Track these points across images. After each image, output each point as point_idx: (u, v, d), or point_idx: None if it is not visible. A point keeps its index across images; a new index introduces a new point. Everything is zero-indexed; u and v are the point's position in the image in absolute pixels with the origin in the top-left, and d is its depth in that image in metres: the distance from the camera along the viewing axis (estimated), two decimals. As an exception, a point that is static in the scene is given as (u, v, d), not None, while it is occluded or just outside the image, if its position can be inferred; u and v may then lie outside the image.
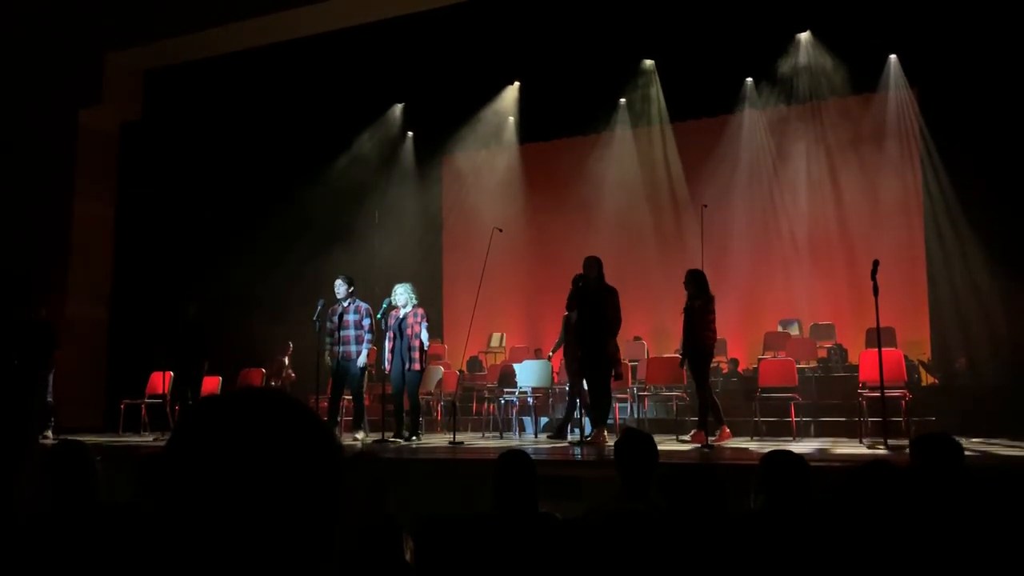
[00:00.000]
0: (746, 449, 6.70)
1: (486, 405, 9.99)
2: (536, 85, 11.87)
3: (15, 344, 9.23)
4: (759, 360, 9.61)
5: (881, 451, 6.33)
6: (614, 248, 11.48)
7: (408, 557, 2.69)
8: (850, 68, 10.57)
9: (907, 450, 3.26)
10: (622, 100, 12.33)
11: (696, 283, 7.51)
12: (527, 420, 9.60)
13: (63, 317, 10.26)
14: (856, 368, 8.82)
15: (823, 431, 8.56)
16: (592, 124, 12.42)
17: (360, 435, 7.93)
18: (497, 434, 8.94)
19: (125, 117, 12.08)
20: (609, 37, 10.52)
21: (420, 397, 8.39)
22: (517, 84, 12.46)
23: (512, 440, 8.42)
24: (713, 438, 7.23)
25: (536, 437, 8.97)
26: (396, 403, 7.97)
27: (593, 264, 7.54)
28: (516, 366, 9.35)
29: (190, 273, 11.13)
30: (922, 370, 10.00)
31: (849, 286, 10.44)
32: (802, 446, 7.01)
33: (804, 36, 10.98)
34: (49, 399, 9.24)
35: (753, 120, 11.91)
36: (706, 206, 8.54)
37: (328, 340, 8.13)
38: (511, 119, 12.97)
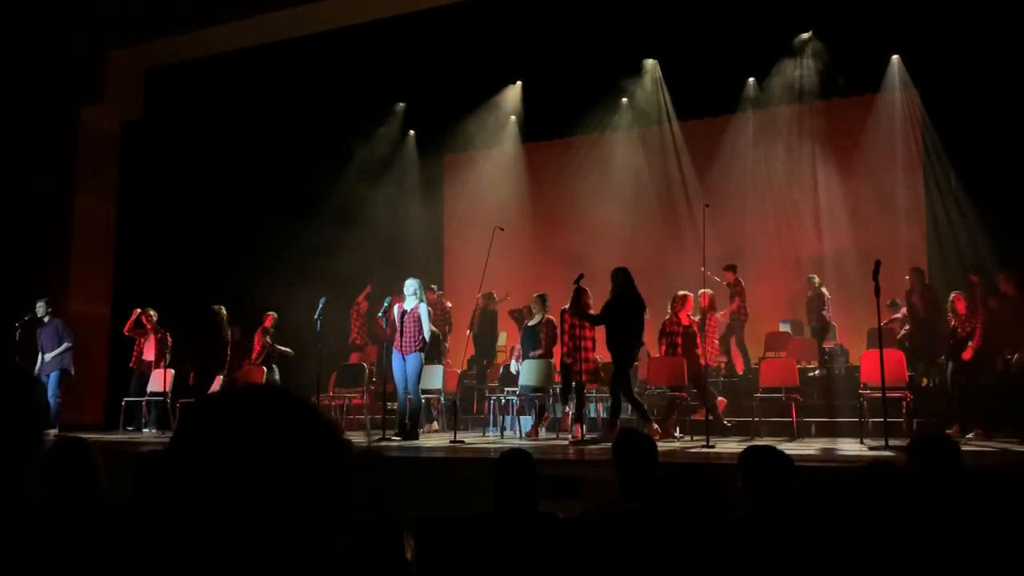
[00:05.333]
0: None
1: (487, 404, 9.99)
2: (538, 84, 11.85)
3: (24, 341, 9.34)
4: (760, 360, 9.61)
5: (883, 452, 6.34)
6: (615, 248, 11.47)
7: (409, 556, 2.69)
8: (852, 68, 10.56)
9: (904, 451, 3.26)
10: (624, 99, 12.32)
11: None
12: (527, 420, 9.58)
13: (65, 314, 10.27)
14: (857, 369, 8.82)
15: (824, 432, 8.56)
16: (594, 123, 12.41)
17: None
18: (497, 433, 8.94)
19: (127, 115, 12.09)
20: (611, 36, 10.51)
21: (421, 395, 8.45)
22: (519, 83, 12.45)
23: (513, 440, 8.42)
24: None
25: (537, 436, 8.97)
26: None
27: (618, 274, 7.88)
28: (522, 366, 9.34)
29: (191, 271, 11.13)
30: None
31: (851, 286, 10.43)
32: (803, 447, 7.02)
33: (806, 36, 10.97)
34: (58, 397, 9.30)
35: (755, 120, 11.89)
36: (708, 206, 8.54)
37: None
38: (513, 118, 12.97)
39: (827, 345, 10.57)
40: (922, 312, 9.16)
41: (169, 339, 10.36)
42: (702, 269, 10.16)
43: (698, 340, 8.26)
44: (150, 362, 10.22)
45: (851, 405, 8.42)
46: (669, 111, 12.18)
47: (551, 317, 9.01)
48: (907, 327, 9.53)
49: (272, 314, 10.71)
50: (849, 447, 6.99)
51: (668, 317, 8.47)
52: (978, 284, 8.48)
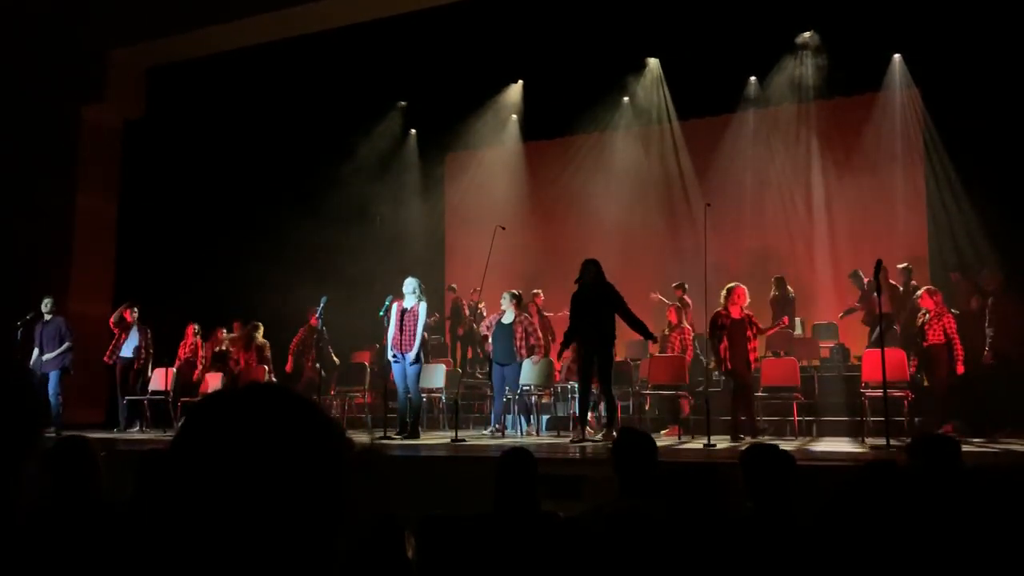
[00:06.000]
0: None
1: (488, 403, 10.00)
2: (539, 83, 11.86)
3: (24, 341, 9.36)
4: (761, 359, 9.60)
5: (880, 451, 6.35)
6: (617, 247, 11.47)
7: (410, 555, 2.70)
8: (853, 67, 10.55)
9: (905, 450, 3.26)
10: (625, 99, 12.32)
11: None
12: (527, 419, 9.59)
13: (65, 313, 10.28)
14: (858, 368, 8.82)
15: (825, 431, 8.56)
16: (595, 122, 12.41)
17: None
18: (498, 432, 8.93)
19: (128, 114, 12.10)
20: (613, 35, 10.51)
21: (421, 394, 8.47)
22: (521, 82, 12.46)
23: (514, 438, 8.42)
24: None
25: (537, 435, 8.99)
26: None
27: (591, 265, 7.63)
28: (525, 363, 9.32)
29: (193, 271, 11.14)
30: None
31: (852, 285, 10.43)
32: (804, 446, 7.02)
33: (807, 35, 10.97)
34: (59, 396, 9.29)
35: (756, 119, 11.89)
36: (709, 205, 8.52)
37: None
38: (514, 117, 12.97)
39: (828, 344, 10.59)
40: (888, 308, 9.22)
41: (150, 336, 10.28)
42: (653, 295, 10.27)
43: (750, 333, 7.89)
44: (127, 359, 10.13)
45: (852, 404, 8.42)
46: (670, 110, 12.18)
47: (527, 315, 8.93)
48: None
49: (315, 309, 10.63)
50: (850, 446, 6.99)
51: (718, 309, 8.07)
52: (959, 283, 8.48)
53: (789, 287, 10.65)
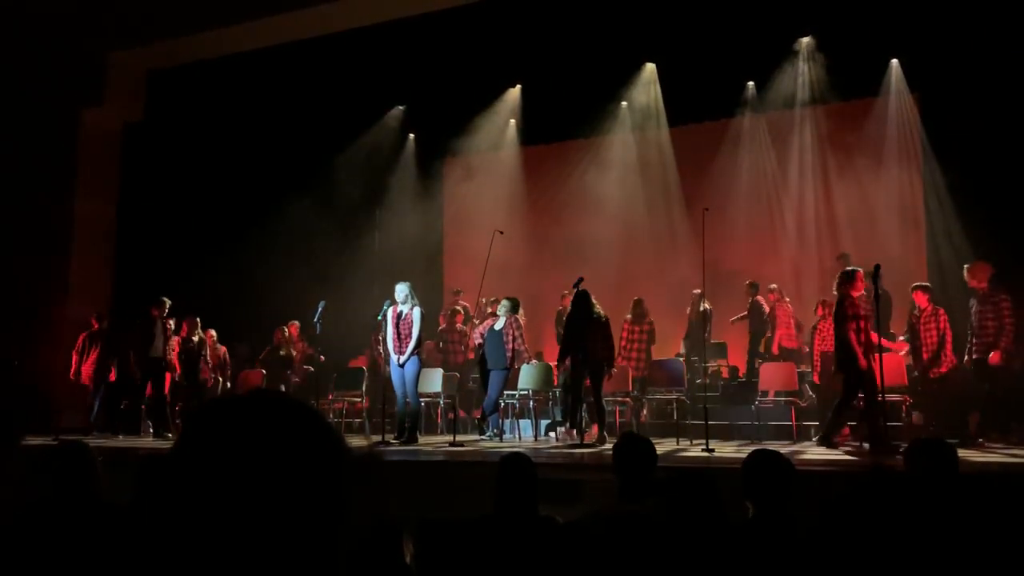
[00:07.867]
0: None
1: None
2: (538, 88, 11.88)
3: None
4: (759, 364, 9.62)
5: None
6: (614, 251, 11.50)
7: (408, 560, 2.70)
8: (851, 73, 10.57)
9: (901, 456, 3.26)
10: (623, 103, 12.34)
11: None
12: (527, 423, 9.59)
13: (64, 316, 10.27)
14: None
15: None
16: (593, 127, 12.41)
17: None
18: (497, 436, 8.93)
19: (128, 117, 12.11)
20: (610, 40, 10.53)
21: (419, 398, 8.46)
22: (519, 87, 12.48)
23: (512, 443, 8.42)
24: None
25: (536, 440, 8.99)
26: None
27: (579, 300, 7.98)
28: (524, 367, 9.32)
29: (191, 274, 11.14)
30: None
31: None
32: (803, 450, 7.02)
33: (805, 40, 10.99)
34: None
35: (754, 124, 11.90)
36: (707, 210, 8.52)
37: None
38: (512, 122, 12.98)
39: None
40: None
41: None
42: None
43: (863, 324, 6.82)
44: (155, 359, 10.00)
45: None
46: (666, 115, 12.18)
47: (518, 317, 8.93)
48: None
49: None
50: (848, 451, 7.00)
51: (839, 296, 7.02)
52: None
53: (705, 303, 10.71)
